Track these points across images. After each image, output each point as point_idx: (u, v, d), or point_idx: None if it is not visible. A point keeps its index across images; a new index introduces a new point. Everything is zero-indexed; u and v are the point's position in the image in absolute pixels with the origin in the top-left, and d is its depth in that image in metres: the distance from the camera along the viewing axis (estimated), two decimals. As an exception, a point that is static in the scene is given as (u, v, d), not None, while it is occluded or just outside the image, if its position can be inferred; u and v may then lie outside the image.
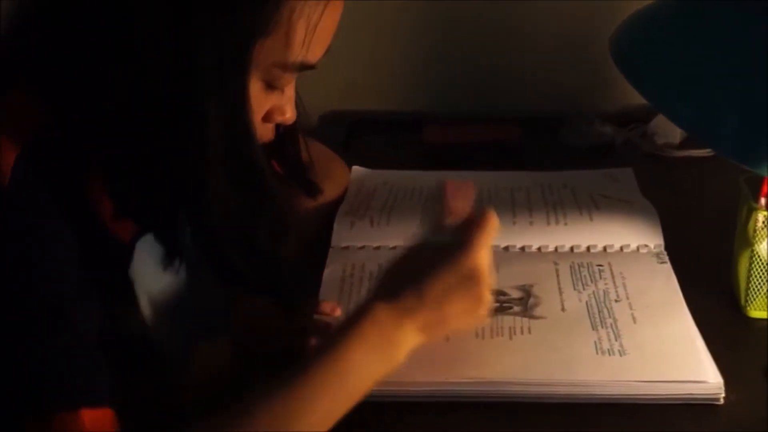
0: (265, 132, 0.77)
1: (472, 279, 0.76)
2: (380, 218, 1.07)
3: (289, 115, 0.77)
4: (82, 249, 0.70)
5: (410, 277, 0.76)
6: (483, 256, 0.77)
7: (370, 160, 1.23)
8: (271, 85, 0.74)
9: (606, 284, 0.97)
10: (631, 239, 1.04)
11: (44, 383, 0.66)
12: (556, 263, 1.01)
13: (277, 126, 0.80)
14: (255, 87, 0.72)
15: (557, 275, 0.98)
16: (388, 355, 0.75)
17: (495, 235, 0.78)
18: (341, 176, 1.14)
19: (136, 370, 0.76)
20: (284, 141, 0.84)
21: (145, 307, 0.79)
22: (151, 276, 0.80)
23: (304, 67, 0.73)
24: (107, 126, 0.68)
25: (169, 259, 0.76)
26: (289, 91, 0.77)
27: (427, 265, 0.76)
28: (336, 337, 0.74)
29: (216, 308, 0.88)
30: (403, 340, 0.76)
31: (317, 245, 0.99)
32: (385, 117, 1.42)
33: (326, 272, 0.97)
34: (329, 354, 0.73)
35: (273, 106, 0.76)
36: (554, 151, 1.32)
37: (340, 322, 0.78)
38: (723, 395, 0.82)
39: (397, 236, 1.00)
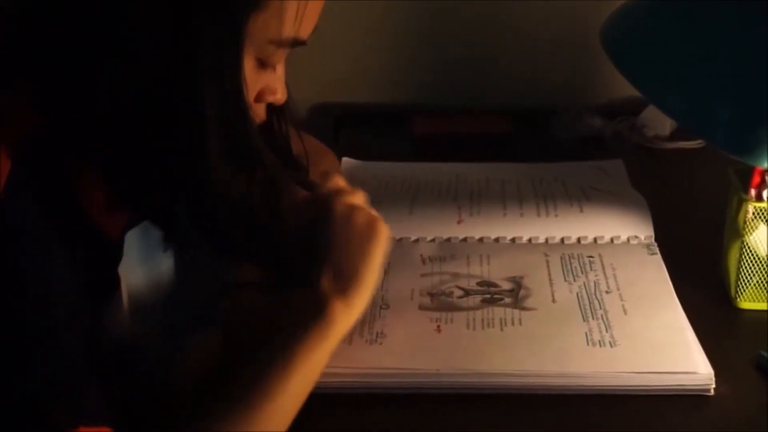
0: (256, 112, 0.77)
1: (368, 230, 0.81)
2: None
3: (280, 95, 0.78)
4: (73, 255, 0.70)
5: (339, 256, 0.80)
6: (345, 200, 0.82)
7: (359, 153, 1.24)
8: (264, 63, 0.74)
9: (596, 275, 0.97)
10: (622, 231, 1.04)
11: (39, 408, 0.65)
12: (546, 255, 1.01)
13: (267, 108, 0.80)
14: (248, 65, 0.72)
15: (548, 267, 0.99)
16: (336, 343, 0.79)
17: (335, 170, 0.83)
18: (331, 167, 1.12)
19: (124, 372, 0.77)
20: (273, 123, 0.85)
21: (130, 303, 0.80)
22: (136, 270, 0.80)
23: (296, 42, 0.74)
24: (107, 117, 0.68)
25: (167, 242, 0.77)
26: (280, 71, 0.77)
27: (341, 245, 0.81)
28: (291, 341, 0.77)
29: (205, 300, 0.88)
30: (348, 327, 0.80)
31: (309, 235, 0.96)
32: (373, 109, 1.43)
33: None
34: (287, 360, 0.75)
35: (264, 86, 0.76)
36: (544, 143, 1.32)
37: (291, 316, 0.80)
38: (713, 386, 0.82)
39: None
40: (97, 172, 0.72)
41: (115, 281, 0.78)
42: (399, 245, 1.03)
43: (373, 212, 0.84)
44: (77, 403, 0.66)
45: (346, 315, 0.79)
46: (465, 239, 1.05)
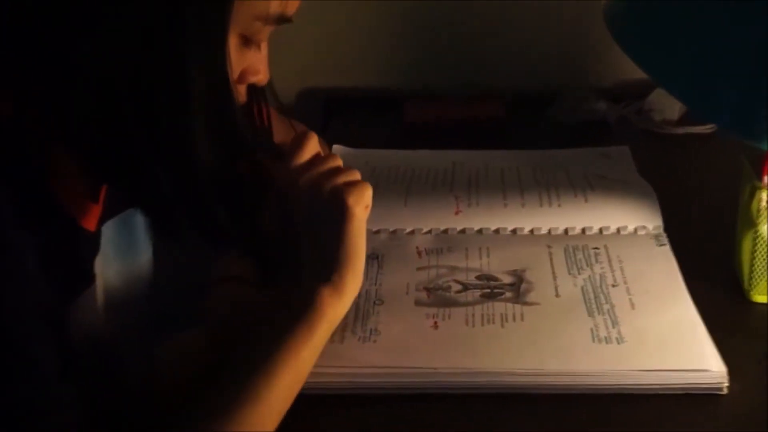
0: (238, 92, 0.77)
1: (328, 204, 0.80)
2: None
3: (263, 75, 0.79)
4: (46, 249, 0.71)
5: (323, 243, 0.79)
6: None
7: (349, 139, 1.25)
8: (248, 41, 0.75)
9: (602, 268, 0.98)
10: (629, 221, 1.05)
11: (16, 428, 0.67)
12: (549, 246, 1.02)
13: (249, 89, 0.81)
14: (232, 43, 0.72)
15: (551, 259, 1.00)
16: (327, 334, 0.79)
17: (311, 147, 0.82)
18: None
19: (100, 373, 0.77)
20: (254, 105, 0.85)
21: (105, 299, 0.80)
22: (112, 264, 0.81)
23: (282, 19, 0.75)
24: (89, 96, 0.69)
25: (153, 228, 0.79)
26: (264, 50, 0.78)
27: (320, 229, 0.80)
28: (279, 335, 0.77)
29: (188, 296, 0.89)
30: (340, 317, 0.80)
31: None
32: (363, 94, 1.44)
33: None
34: (275, 355, 0.75)
35: (248, 65, 0.77)
36: (543, 129, 1.33)
37: (281, 311, 0.80)
38: (726, 384, 0.82)
39: (379, 218, 1.01)
40: (76, 159, 0.73)
41: (90, 275, 0.78)
42: (393, 237, 1.04)
43: (343, 177, 0.82)
44: (55, 419, 0.67)
45: (336, 303, 0.79)
46: (463, 231, 1.06)
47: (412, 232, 1.05)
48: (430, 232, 1.06)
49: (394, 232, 1.05)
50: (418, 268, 0.99)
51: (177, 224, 0.75)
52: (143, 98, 0.69)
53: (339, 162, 0.84)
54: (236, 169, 0.76)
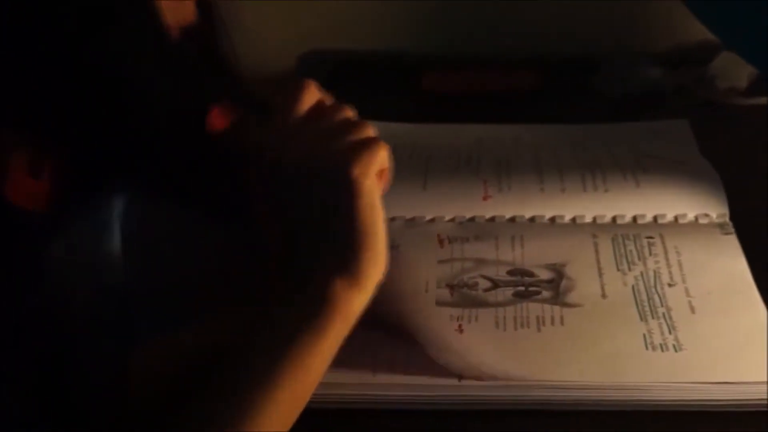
0: (177, 12, 0.75)
1: (332, 174, 0.74)
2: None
3: None
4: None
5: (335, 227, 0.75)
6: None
7: (359, 112, 1.18)
8: None
9: (657, 263, 0.97)
10: (688, 207, 1.04)
11: None
12: (594, 236, 1.01)
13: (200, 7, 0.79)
14: None
15: (596, 252, 0.99)
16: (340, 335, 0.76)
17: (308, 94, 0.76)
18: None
19: (62, 378, 0.77)
20: (205, 26, 0.81)
21: (62, 291, 0.79)
22: (73, 251, 0.80)
23: None
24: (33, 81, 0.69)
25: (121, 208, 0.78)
26: None
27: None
28: (282, 335, 0.75)
29: (169, 288, 0.87)
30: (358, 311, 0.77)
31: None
32: (375, 59, 1.43)
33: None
34: (278, 360, 0.74)
35: None
36: (585, 101, 1.31)
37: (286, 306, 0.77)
38: (803, 401, 0.83)
39: (394, 204, 0.97)
40: (14, 130, 0.72)
41: (44, 264, 0.77)
42: (411, 225, 1.04)
43: (349, 135, 0.75)
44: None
45: (353, 297, 0.75)
46: (492, 218, 1.05)
47: (433, 220, 1.05)
48: (453, 219, 1.05)
49: (411, 219, 1.05)
50: (440, 261, 0.99)
51: (140, 197, 0.76)
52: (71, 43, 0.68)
53: (347, 113, 0.77)
54: (200, 127, 0.74)
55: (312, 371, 0.74)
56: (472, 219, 1.05)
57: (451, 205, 1.06)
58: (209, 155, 0.74)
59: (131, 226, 0.83)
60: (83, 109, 0.70)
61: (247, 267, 0.87)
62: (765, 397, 0.82)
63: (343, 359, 0.77)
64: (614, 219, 1.04)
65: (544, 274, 0.96)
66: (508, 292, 0.94)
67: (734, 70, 1.29)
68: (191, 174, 0.74)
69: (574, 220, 1.05)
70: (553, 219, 1.05)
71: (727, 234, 1.01)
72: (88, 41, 0.68)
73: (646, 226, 1.03)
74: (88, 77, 0.69)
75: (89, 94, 0.70)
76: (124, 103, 0.70)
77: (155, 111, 0.71)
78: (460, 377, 0.84)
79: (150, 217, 0.82)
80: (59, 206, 0.76)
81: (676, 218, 1.04)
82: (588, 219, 1.04)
